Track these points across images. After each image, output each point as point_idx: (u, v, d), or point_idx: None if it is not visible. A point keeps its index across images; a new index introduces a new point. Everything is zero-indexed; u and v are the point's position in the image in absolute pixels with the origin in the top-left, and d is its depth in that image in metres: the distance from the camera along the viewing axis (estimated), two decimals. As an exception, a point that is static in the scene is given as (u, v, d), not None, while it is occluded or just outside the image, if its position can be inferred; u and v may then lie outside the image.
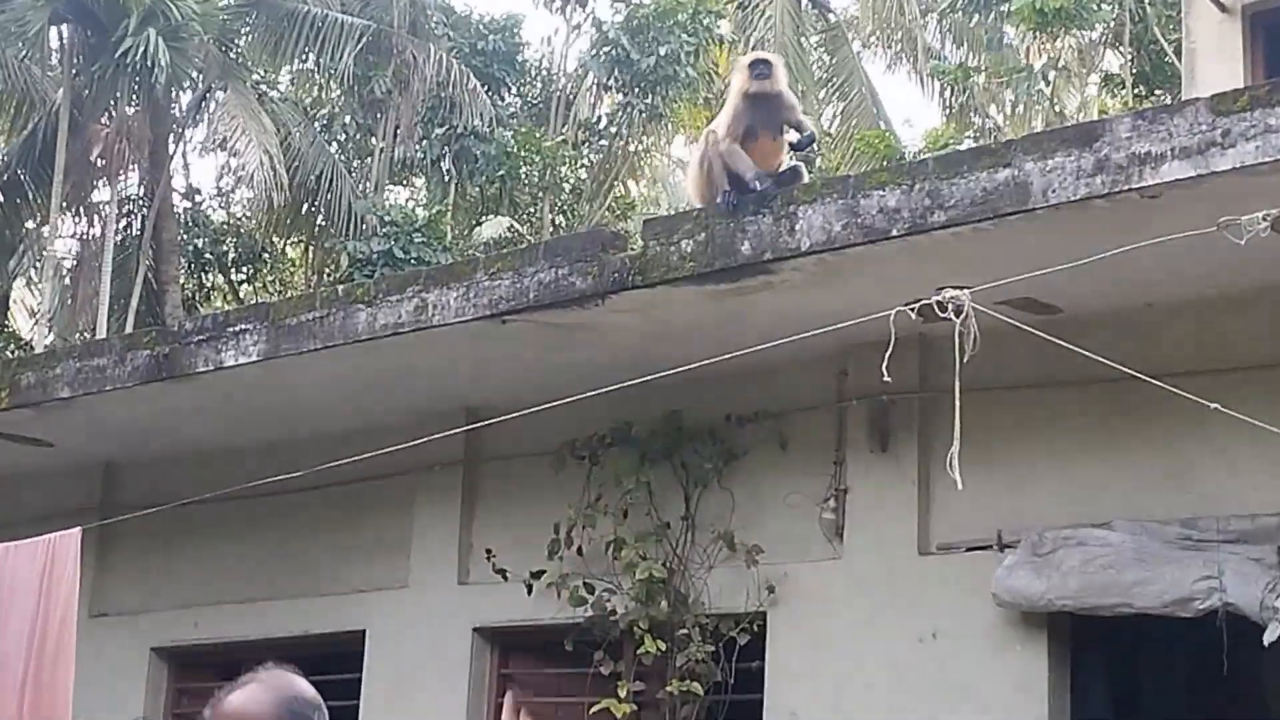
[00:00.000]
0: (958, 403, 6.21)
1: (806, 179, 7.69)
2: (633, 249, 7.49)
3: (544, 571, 8.82)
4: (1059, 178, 6.30)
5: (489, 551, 9.12)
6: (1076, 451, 7.59)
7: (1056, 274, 6.36)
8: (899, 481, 7.98)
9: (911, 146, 27.77)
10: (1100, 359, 6.33)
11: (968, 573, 7.66)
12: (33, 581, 8.04)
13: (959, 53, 31.00)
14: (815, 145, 7.60)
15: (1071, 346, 6.34)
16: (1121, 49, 24.96)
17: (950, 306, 5.95)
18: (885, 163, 21.27)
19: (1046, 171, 6.33)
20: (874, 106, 31.84)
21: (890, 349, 6.12)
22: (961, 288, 6.00)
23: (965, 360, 6.14)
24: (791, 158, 8.13)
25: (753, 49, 30.96)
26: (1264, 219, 5.66)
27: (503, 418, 7.96)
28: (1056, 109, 27.28)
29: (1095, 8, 22.41)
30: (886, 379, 6.06)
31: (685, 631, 8.31)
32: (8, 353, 25.27)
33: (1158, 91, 24.71)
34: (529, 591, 8.87)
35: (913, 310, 6.07)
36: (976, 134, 29.41)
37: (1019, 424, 7.72)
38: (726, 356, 7.22)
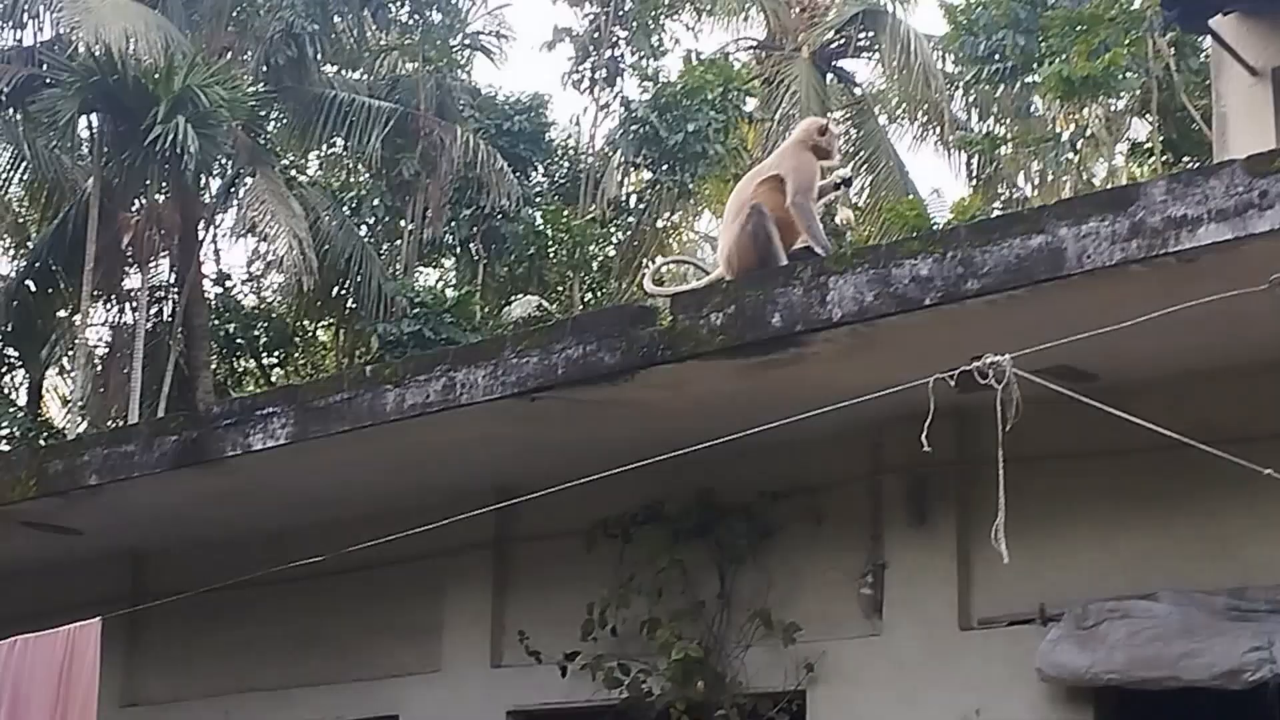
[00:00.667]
0: (1001, 472, 6.08)
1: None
2: (661, 323, 7.40)
3: (578, 653, 8.69)
4: (1094, 243, 6.20)
5: (522, 633, 9.00)
6: (1119, 522, 7.45)
7: (1093, 341, 6.23)
8: (937, 555, 7.84)
9: (940, 218, 27.68)
10: (1143, 423, 6.19)
11: (1011, 648, 7.50)
12: (52, 674, 7.96)
13: (986, 124, 30.99)
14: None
15: (1114, 411, 6.20)
16: (1149, 117, 24.90)
17: (991, 373, 5.81)
18: (916, 232, 21.23)
19: (1081, 237, 6.23)
20: (902, 179, 31.87)
21: (930, 419, 5.99)
22: (1002, 354, 5.87)
23: (1007, 429, 6.01)
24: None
25: (780, 125, 31.07)
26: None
27: (532, 495, 7.84)
28: (1084, 178, 27.21)
29: (1122, 76, 22.38)
30: (926, 449, 5.92)
31: (723, 712, 8.17)
32: (40, 441, 25.27)
33: (1186, 159, 24.63)
34: (563, 674, 8.73)
35: (951, 379, 5.95)
36: (1005, 204, 29.35)
37: (1059, 494, 7.57)
38: (759, 429, 7.10)
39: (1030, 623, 7.48)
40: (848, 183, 8.27)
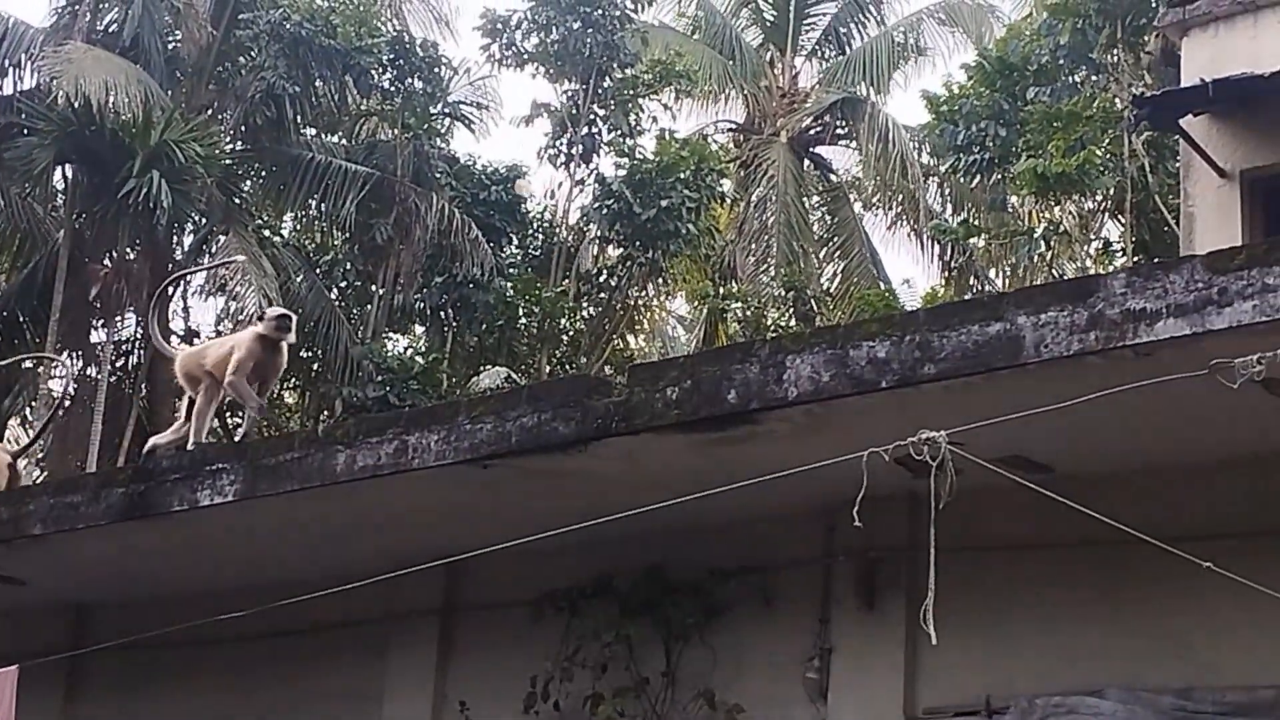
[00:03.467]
0: (933, 551, 6.02)
1: None
2: (617, 395, 7.34)
3: (519, 726, 8.57)
4: (1052, 332, 6.17)
5: (463, 704, 8.89)
6: (1069, 615, 7.38)
7: (1048, 432, 6.20)
8: (886, 642, 7.76)
9: (910, 307, 27.75)
10: (1097, 516, 6.14)
11: (955, 739, 7.41)
12: (-36, 720, 7.80)
13: (960, 216, 31.14)
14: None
15: (1067, 502, 6.15)
16: (1122, 217, 25.03)
17: (926, 451, 5.76)
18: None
19: (1039, 326, 6.20)
20: (874, 267, 32.01)
21: (862, 493, 5.94)
22: (939, 431, 5.82)
23: (941, 508, 5.95)
24: None
25: (754, 207, 31.21)
26: (1259, 361, 5.51)
27: (479, 551, 7.71)
28: (1055, 273, 27.30)
29: (1098, 175, 22.47)
30: (858, 524, 5.86)
31: (663, 793, 8.05)
32: (-4, 490, 25.03)
33: (1155, 259, 24.73)
34: (503, 747, 8.61)
35: (887, 454, 5.89)
36: (975, 296, 29.42)
37: (1010, 585, 7.51)
38: (710, 499, 7.02)
39: (976, 714, 7.40)
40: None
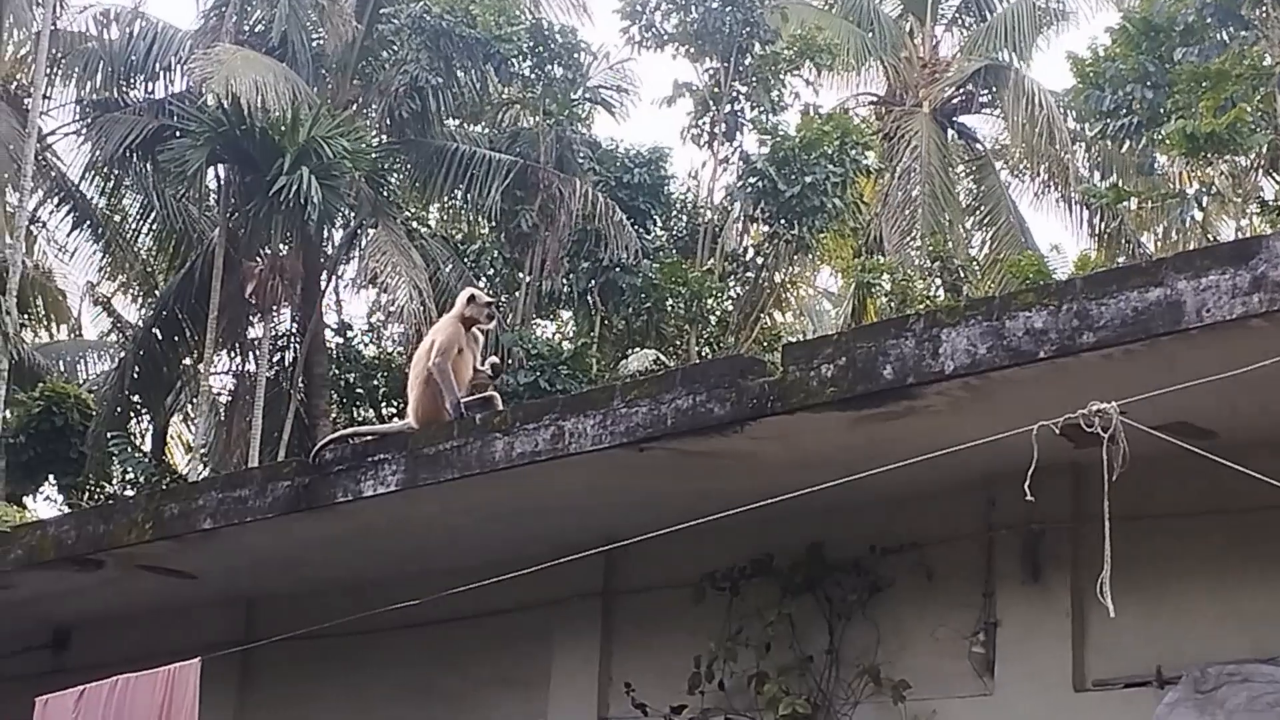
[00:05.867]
0: (1107, 524, 5.95)
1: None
2: (772, 374, 7.34)
3: (684, 706, 8.63)
4: (1213, 296, 6.08)
5: (628, 685, 8.94)
6: (1241, 582, 7.25)
7: (1212, 397, 6.10)
8: (1051, 614, 7.68)
9: (1060, 274, 27.36)
10: (1267, 479, 6.03)
11: (1126, 710, 7.34)
12: (151, 713, 7.99)
13: (1108, 181, 30.64)
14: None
15: (1234, 466, 6.05)
16: (1276, 175, 24.49)
17: (1098, 423, 5.70)
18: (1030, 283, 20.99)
19: (1200, 290, 6.12)
20: (1021, 234, 31.59)
21: (1033, 468, 5.89)
22: (1109, 402, 5.75)
23: (1114, 479, 5.88)
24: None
25: (899, 179, 30.97)
26: None
27: (641, 538, 7.78)
28: (1211, 237, 26.79)
29: (1250, 133, 21.99)
30: (1030, 498, 5.81)
31: (830, 770, 8.05)
32: (162, 487, 25.64)
33: (1318, 216, 24.16)
34: (669, 727, 8.66)
35: (1056, 427, 5.84)
36: (1129, 260, 28.95)
37: (1178, 554, 7.40)
38: (869, 476, 7.01)
39: (1147, 685, 7.31)
40: (495, 368, 9.57)
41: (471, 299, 9.50)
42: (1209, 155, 22.65)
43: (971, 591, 7.99)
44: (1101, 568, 6.08)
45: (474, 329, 9.49)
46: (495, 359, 9.53)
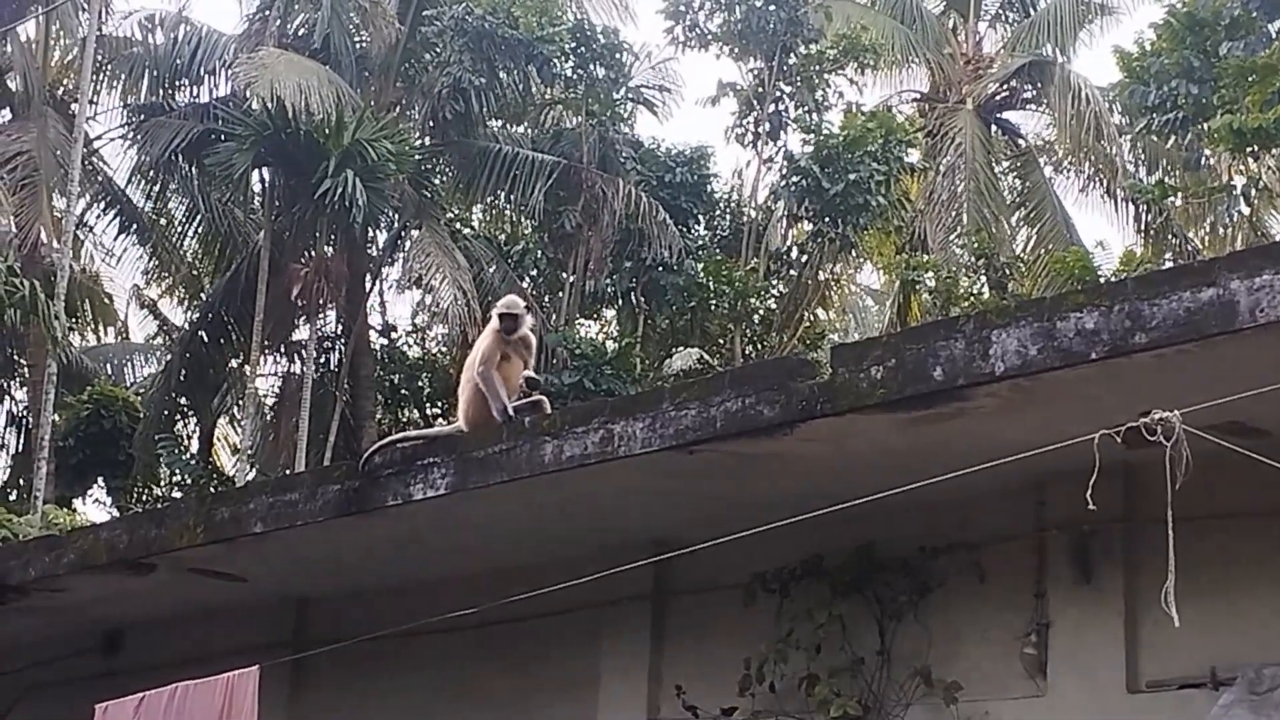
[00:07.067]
0: (1170, 532, 5.93)
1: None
2: (821, 376, 7.33)
3: (735, 708, 8.63)
4: (1267, 296, 6.04)
5: (679, 688, 8.94)
6: (1294, 583, 7.21)
7: (1265, 396, 6.07)
8: (1104, 615, 7.66)
9: (1105, 269, 27.21)
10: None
11: (1180, 712, 7.30)
12: (211, 719, 8.03)
13: (1154, 176, 30.47)
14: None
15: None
16: (1324, 170, 24.30)
17: (1160, 430, 5.67)
18: (1081, 284, 20.89)
19: (1254, 290, 6.08)
20: (1066, 230, 31.44)
21: (1094, 477, 5.86)
22: (1172, 410, 5.72)
23: (1178, 488, 5.85)
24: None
25: (943, 176, 30.86)
26: None
27: (691, 548, 7.81)
28: (1259, 232, 26.61)
29: (1296, 126, 21.80)
30: (1091, 507, 5.79)
31: (882, 772, 8.04)
32: (210, 488, 25.76)
33: (1366, 210, 23.99)
34: (721, 729, 8.66)
35: (1118, 435, 5.81)
36: (1175, 256, 28.78)
37: (1230, 554, 7.36)
38: (919, 484, 7.01)
39: (1201, 686, 7.27)
40: (531, 381, 9.43)
41: (498, 315, 9.61)
42: (1255, 149, 22.48)
43: (1023, 592, 7.97)
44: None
45: (514, 337, 9.54)
46: (531, 373, 9.49)
